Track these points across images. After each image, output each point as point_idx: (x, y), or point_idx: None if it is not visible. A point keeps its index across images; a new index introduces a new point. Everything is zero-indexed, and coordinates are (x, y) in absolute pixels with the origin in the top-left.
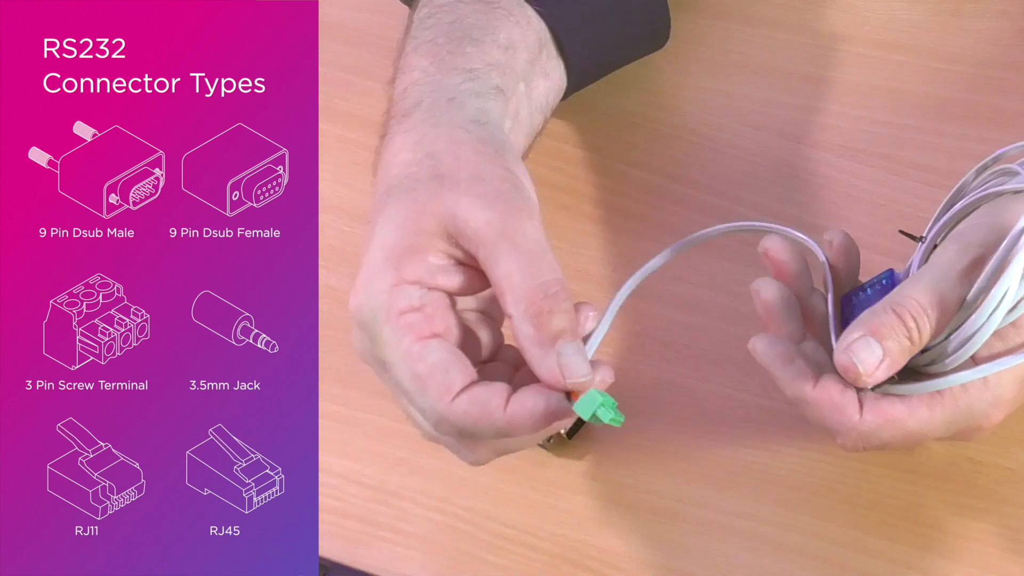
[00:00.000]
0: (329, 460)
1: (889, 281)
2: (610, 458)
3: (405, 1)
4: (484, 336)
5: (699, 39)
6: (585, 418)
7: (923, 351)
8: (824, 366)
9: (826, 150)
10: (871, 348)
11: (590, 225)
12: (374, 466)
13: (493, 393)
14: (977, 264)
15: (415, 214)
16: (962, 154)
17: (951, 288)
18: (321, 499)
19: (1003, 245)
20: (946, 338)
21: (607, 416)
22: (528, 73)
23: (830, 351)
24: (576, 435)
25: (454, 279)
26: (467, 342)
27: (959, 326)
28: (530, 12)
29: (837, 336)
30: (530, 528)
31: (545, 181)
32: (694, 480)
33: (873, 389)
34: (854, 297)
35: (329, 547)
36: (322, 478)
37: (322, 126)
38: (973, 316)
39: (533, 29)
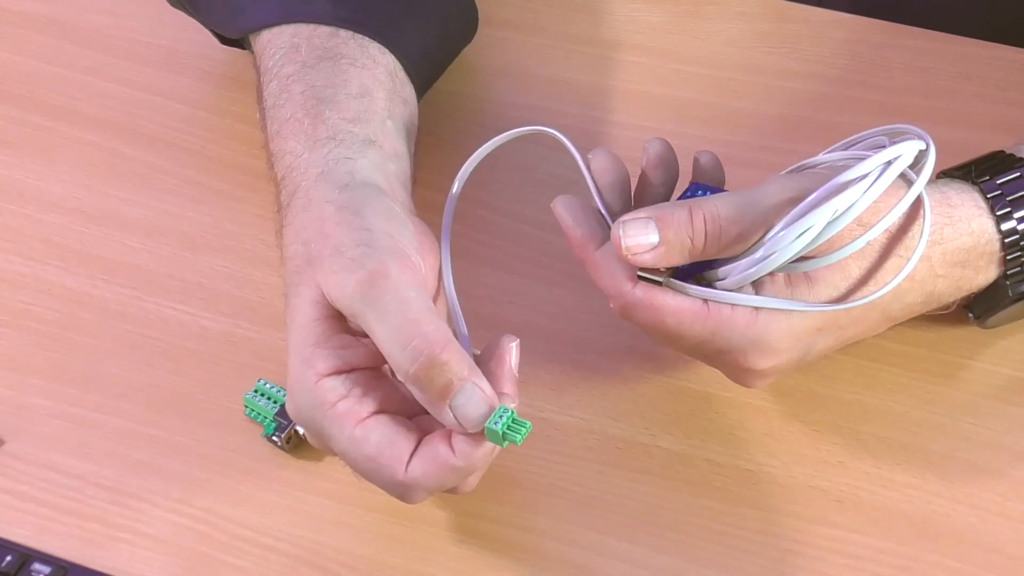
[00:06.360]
0: (67, 462)
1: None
2: None
3: (190, 13)
4: None
5: None
6: (501, 445)
7: (715, 266)
8: None
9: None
10: (647, 230)
11: None
12: (112, 468)
13: (438, 443)
14: (793, 202)
15: (305, 306)
16: None
17: (758, 212)
18: (59, 501)
19: (827, 185)
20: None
21: (517, 436)
22: (389, 108)
23: None
24: None
25: (366, 352)
26: (410, 398)
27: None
28: (373, 50)
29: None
30: (268, 529)
31: None
32: None
33: (642, 276)
34: None
35: (67, 549)
36: (60, 480)
37: (60, 127)
38: (768, 243)
39: (382, 66)
